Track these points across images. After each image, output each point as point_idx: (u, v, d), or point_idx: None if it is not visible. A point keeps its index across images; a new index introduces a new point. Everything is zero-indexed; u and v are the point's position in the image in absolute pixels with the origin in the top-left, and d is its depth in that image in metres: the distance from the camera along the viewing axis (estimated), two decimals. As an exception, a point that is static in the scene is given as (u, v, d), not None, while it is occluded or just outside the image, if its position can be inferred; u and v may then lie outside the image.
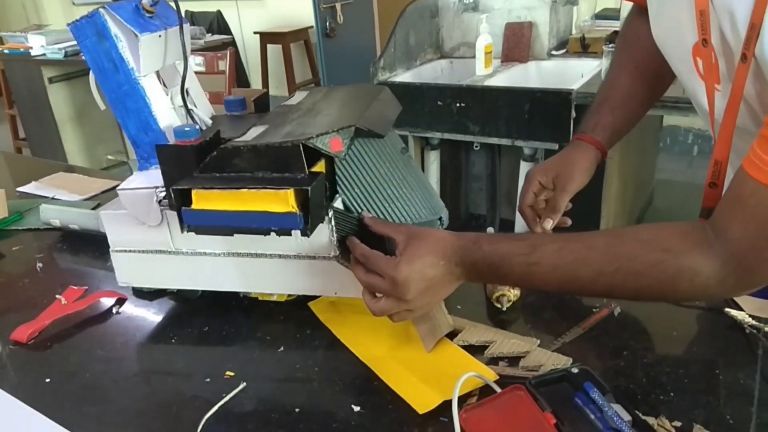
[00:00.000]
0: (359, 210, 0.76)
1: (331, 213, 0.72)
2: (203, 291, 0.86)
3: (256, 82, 5.18)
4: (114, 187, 1.33)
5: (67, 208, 1.13)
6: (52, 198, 1.28)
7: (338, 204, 0.75)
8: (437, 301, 0.72)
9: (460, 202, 2.68)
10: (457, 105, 2.00)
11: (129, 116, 0.78)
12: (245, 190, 0.67)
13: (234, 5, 5.24)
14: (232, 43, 4.09)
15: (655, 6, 0.75)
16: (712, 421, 0.59)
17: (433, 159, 2.32)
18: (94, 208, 1.21)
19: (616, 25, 2.31)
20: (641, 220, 2.76)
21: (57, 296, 0.89)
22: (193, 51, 3.20)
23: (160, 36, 0.78)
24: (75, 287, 0.93)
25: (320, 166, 0.73)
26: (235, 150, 0.70)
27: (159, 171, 0.75)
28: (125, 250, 0.82)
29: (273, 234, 0.69)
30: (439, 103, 2.02)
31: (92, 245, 1.07)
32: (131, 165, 3.66)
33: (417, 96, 2.06)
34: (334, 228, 0.73)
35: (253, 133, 0.74)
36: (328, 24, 4.10)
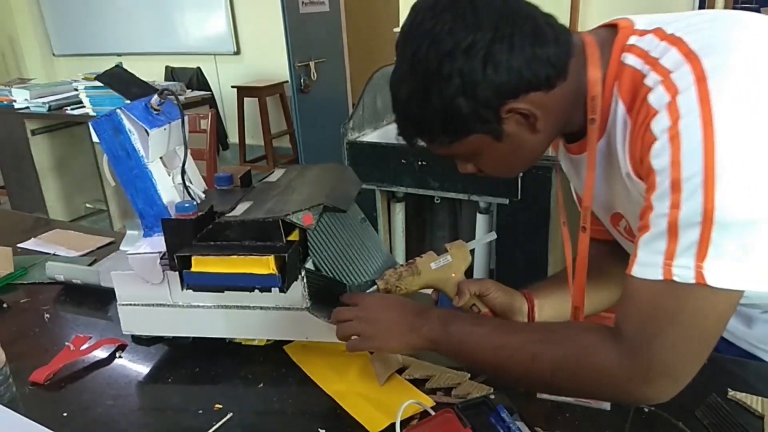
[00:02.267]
0: (327, 270, 0.93)
1: (303, 273, 0.90)
2: (194, 337, 1.02)
3: (233, 133, 5.38)
4: (108, 244, 1.49)
5: (72, 264, 1.28)
6: (53, 254, 1.43)
7: (309, 265, 0.92)
8: (392, 332, 0.81)
9: (424, 249, 2.86)
10: (419, 163, 2.21)
11: (137, 194, 0.96)
12: (235, 256, 0.85)
13: (212, 60, 5.49)
14: (211, 98, 4.29)
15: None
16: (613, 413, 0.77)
17: (399, 210, 2.52)
18: (90, 264, 1.36)
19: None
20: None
21: (66, 343, 1.03)
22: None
23: (165, 129, 0.96)
24: (81, 335, 1.07)
25: (295, 235, 0.91)
26: (227, 224, 0.87)
27: (161, 238, 0.92)
28: (131, 304, 0.98)
29: (256, 291, 0.86)
30: (403, 161, 2.23)
31: (93, 298, 1.22)
32: (110, 214, 3.77)
33: (383, 154, 2.27)
34: (306, 285, 0.91)
35: (241, 209, 0.92)
36: (302, 80, 4.34)
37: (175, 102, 0.98)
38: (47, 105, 3.66)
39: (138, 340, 1.05)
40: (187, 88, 4.04)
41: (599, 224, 0.90)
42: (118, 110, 0.92)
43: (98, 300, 1.21)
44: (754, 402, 0.79)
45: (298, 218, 0.86)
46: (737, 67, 0.60)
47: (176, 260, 0.86)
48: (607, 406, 0.81)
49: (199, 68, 4.99)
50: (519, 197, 1.98)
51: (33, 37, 6.48)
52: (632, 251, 0.65)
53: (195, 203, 0.94)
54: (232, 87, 5.04)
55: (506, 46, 0.66)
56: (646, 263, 0.63)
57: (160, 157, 0.99)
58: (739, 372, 0.87)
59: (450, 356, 0.80)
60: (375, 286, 0.91)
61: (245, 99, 5.03)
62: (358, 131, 2.44)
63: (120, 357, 1.02)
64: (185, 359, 1.00)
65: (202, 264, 0.86)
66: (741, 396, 0.81)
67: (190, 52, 5.47)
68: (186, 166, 1.01)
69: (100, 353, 1.03)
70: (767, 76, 0.59)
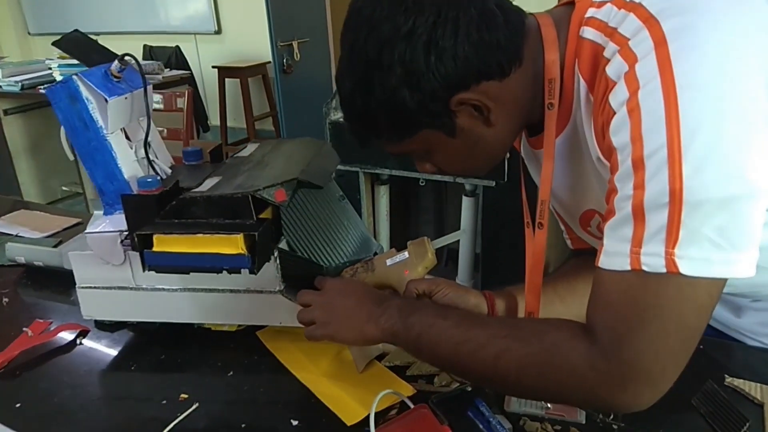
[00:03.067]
0: (301, 250, 0.87)
1: (276, 253, 0.84)
2: (161, 322, 0.96)
3: (214, 115, 5.26)
4: (75, 225, 1.42)
5: (32, 246, 1.21)
6: (16, 235, 1.35)
7: (283, 245, 0.86)
8: (348, 321, 0.75)
9: (409, 233, 2.82)
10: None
11: (96, 168, 0.89)
12: (201, 234, 0.78)
13: (192, 40, 5.35)
14: (190, 78, 4.18)
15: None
16: (587, 422, 0.72)
17: (383, 193, 2.45)
18: (56, 246, 1.29)
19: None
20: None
21: (24, 329, 0.97)
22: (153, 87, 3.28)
23: (126, 98, 0.89)
24: (40, 320, 1.00)
25: (267, 213, 0.84)
26: (192, 200, 0.81)
27: (122, 216, 0.86)
28: (90, 287, 0.91)
29: (225, 272, 0.80)
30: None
31: (55, 281, 1.15)
32: (87, 197, 3.67)
33: (366, 136, 2.20)
34: (279, 266, 0.85)
35: (208, 184, 0.85)
36: (285, 61, 4.24)
37: (138, 69, 0.91)
38: (20, 84, 3.53)
39: (101, 325, 0.99)
40: (166, 68, 3.92)
41: (573, 232, 0.85)
42: (75, 77, 0.84)
43: (61, 283, 1.14)
44: (753, 389, 0.75)
45: (269, 194, 0.79)
46: (700, 27, 0.53)
47: (137, 239, 0.80)
48: (582, 417, 0.73)
49: (178, 47, 4.85)
50: (506, 179, 1.93)
51: (8, 16, 6.28)
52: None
53: (159, 178, 0.87)
54: (213, 67, 4.92)
55: (450, 31, 0.60)
56: (613, 252, 0.56)
57: (123, 130, 0.92)
58: (737, 357, 0.83)
59: (409, 351, 0.71)
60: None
61: (227, 80, 4.91)
62: (341, 111, 2.36)
63: (81, 344, 0.96)
64: (150, 346, 0.93)
65: (164, 243, 0.80)
66: (739, 382, 0.76)
67: (169, 31, 5.32)
68: (151, 140, 0.94)
69: (61, 339, 0.96)
70: (733, 34, 0.53)
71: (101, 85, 0.86)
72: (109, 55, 0.91)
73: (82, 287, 0.91)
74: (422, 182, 2.40)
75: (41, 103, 3.71)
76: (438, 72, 0.61)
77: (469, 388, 0.76)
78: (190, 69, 4.73)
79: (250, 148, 1.02)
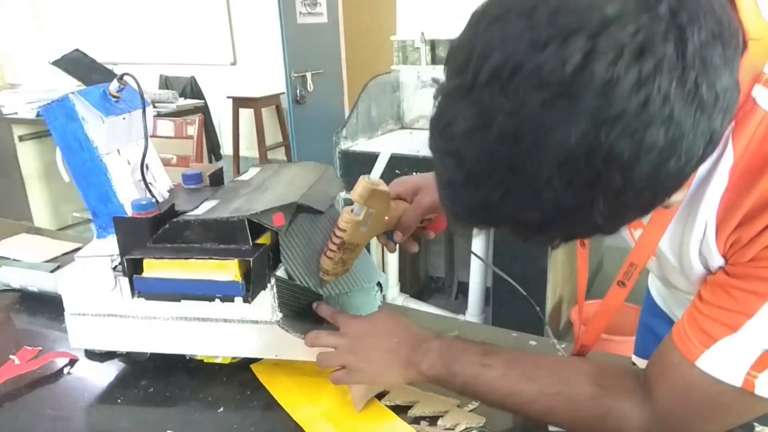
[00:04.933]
0: (300, 278, 0.83)
1: (273, 281, 0.79)
2: (152, 353, 0.91)
3: (227, 145, 5.29)
4: (75, 250, 1.38)
5: (26, 270, 1.17)
6: (13, 259, 1.32)
7: (281, 273, 0.82)
8: (385, 366, 0.73)
9: (419, 265, 2.77)
10: (413, 173, 2.11)
11: (90, 189, 0.85)
12: (193, 259, 0.74)
13: (208, 70, 5.42)
14: (205, 107, 4.21)
15: None
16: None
17: (393, 224, 2.42)
18: (53, 271, 1.25)
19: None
20: (591, 285, 2.88)
21: (11, 356, 0.92)
22: (165, 115, 3.30)
23: (124, 118, 0.86)
24: (29, 348, 0.96)
25: (265, 238, 0.80)
26: (186, 223, 0.77)
27: (115, 240, 0.82)
28: (80, 314, 0.87)
29: (217, 300, 0.76)
30: (397, 171, 2.13)
31: (49, 307, 1.11)
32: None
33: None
34: (275, 294, 0.80)
35: (204, 208, 0.82)
36: (298, 91, 4.27)
37: (137, 89, 0.89)
38: (36, 110, 3.57)
39: (90, 354, 0.94)
40: (180, 97, 3.96)
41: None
42: (71, 95, 0.82)
43: (55, 310, 1.10)
44: (787, 440, 0.69)
45: (267, 218, 0.75)
46: None
47: (126, 263, 0.76)
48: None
49: (193, 77, 4.91)
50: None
51: (28, 45, 6.41)
52: (691, 329, 0.56)
53: (154, 201, 0.84)
54: (228, 98, 4.97)
55: (696, 104, 0.39)
56: (725, 366, 0.54)
57: (119, 151, 0.89)
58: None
59: (450, 390, 0.72)
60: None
61: (241, 110, 4.96)
62: (351, 140, 2.35)
63: (69, 374, 0.91)
64: (139, 377, 0.88)
65: (154, 267, 0.76)
66: (771, 432, 0.70)
67: (185, 62, 5.40)
68: (149, 162, 0.91)
69: (48, 368, 0.92)
70: None
71: (99, 104, 0.83)
72: (109, 75, 0.88)
73: (73, 314, 0.87)
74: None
75: (56, 130, 3.74)
76: (670, 177, 0.41)
77: (484, 431, 0.70)
78: (204, 99, 4.78)
79: (252, 172, 0.99)
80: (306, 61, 4.25)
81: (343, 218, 0.75)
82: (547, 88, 0.37)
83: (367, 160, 2.22)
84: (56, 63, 0.91)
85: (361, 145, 2.37)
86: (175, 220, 0.77)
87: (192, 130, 2.57)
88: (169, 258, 0.75)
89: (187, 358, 0.91)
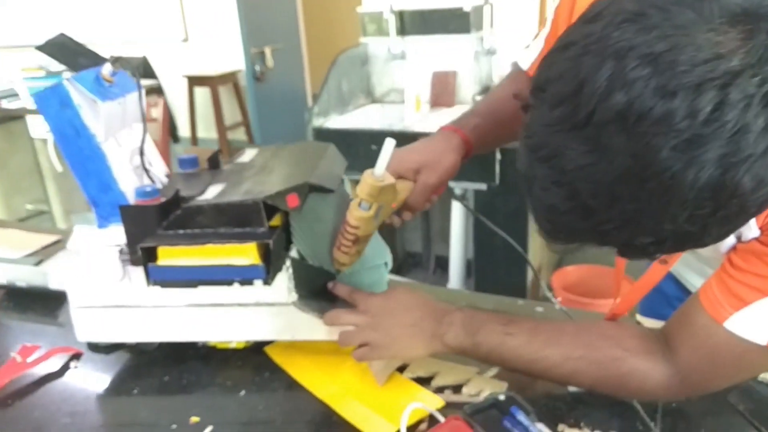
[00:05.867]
0: (313, 258, 0.83)
1: (288, 262, 0.79)
2: (160, 342, 0.90)
3: (183, 125, 5.14)
4: (55, 243, 1.34)
5: (12, 265, 1.13)
6: (-8, 255, 1.27)
7: (293, 253, 0.81)
8: (410, 340, 0.73)
9: (396, 240, 2.78)
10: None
11: (89, 178, 0.82)
12: (210, 245, 0.73)
13: (158, 48, 5.22)
14: (159, 88, 4.07)
15: None
16: (626, 427, 0.69)
17: (368, 200, 2.42)
18: (36, 264, 1.21)
19: (530, 73, 2.52)
20: (564, 255, 2.95)
21: (12, 354, 0.90)
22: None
23: (119, 103, 0.83)
24: (27, 344, 0.93)
25: (276, 220, 0.80)
26: (199, 208, 0.75)
27: (118, 229, 0.80)
28: (86, 307, 0.84)
29: (236, 284, 0.75)
30: (373, 147, 2.13)
31: (40, 302, 1.08)
32: (54, 215, 3.53)
33: (352, 141, 2.16)
34: (291, 276, 0.80)
35: (212, 192, 0.80)
36: (257, 68, 4.17)
37: (130, 72, 0.85)
38: (-21, 98, 3.39)
39: (94, 347, 0.92)
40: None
41: None
42: (65, 81, 0.78)
43: (46, 304, 1.07)
44: (789, 384, 0.73)
45: (281, 199, 0.75)
46: None
47: (140, 252, 0.74)
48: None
49: (145, 58, 4.73)
50: (498, 182, 1.91)
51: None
52: (721, 293, 0.59)
53: (157, 187, 0.82)
54: (183, 76, 4.81)
55: None
56: (753, 327, 0.57)
57: (115, 137, 0.86)
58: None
59: (476, 360, 0.75)
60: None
61: (196, 89, 4.82)
62: (323, 117, 2.32)
63: (75, 367, 0.89)
64: (152, 367, 0.87)
65: (170, 255, 0.74)
66: (773, 378, 0.75)
67: (135, 40, 5.19)
68: (144, 147, 0.88)
69: (52, 364, 0.89)
70: None
71: (94, 90, 0.80)
72: (96, 59, 0.85)
73: (78, 308, 0.84)
74: (408, 187, 2.36)
75: (3, 119, 3.56)
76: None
77: (502, 397, 0.72)
78: (157, 78, 4.62)
79: (249, 154, 0.97)
80: (264, 36, 4.14)
81: (354, 215, 0.73)
82: (676, 135, 0.38)
83: (342, 137, 2.21)
84: (41, 48, 0.86)
85: (334, 121, 2.35)
86: (187, 205, 0.76)
87: (156, 112, 2.49)
88: (185, 244, 0.73)
89: (199, 345, 0.90)
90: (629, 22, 0.40)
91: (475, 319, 0.72)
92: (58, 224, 3.49)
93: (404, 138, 2.12)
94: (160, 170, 0.93)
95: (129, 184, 0.85)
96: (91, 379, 0.86)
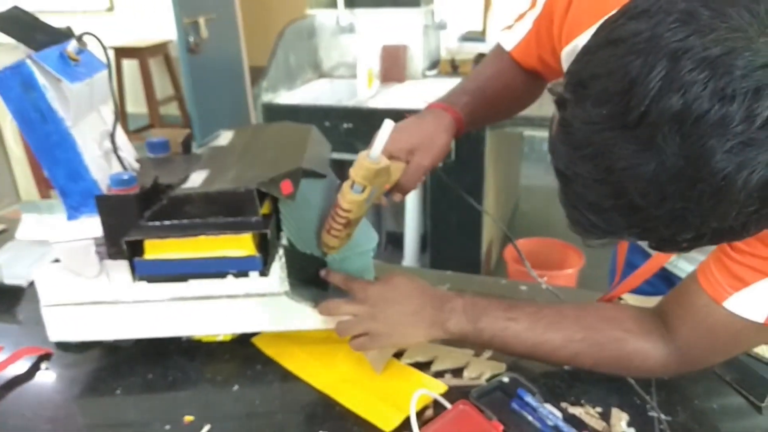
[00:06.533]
0: (304, 246, 0.80)
1: (281, 251, 0.76)
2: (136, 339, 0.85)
3: (112, 99, 4.86)
4: (1, 232, 1.24)
5: (-42, 259, 1.03)
6: (-72, 248, 1.16)
7: (284, 241, 0.79)
8: (410, 328, 0.73)
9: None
10: (344, 126, 2.07)
11: (58, 166, 0.76)
12: (203, 236, 0.69)
13: (81, 18, 4.89)
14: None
15: None
16: (624, 403, 0.72)
17: (320, 177, 2.38)
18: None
19: (480, 48, 2.53)
20: (512, 221, 3.03)
21: (-29, 358, 0.82)
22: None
23: (87, 84, 0.77)
24: (-13, 346, 0.86)
25: (266, 208, 0.76)
26: (187, 197, 0.71)
27: (91, 220, 0.75)
28: (58, 305, 0.78)
29: (229, 277, 0.72)
30: (326, 123, 2.08)
31: (-9, 298, 1.00)
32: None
33: (305, 117, 2.11)
34: (284, 265, 0.77)
35: (197, 179, 0.76)
36: (191, 39, 3.97)
37: (101, 47, 0.78)
38: None
39: (65, 346, 0.86)
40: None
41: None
42: (28, 60, 0.71)
43: (1, 301, 0.99)
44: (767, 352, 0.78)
45: (275, 186, 0.71)
46: None
47: (125, 246, 0.69)
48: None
49: (69, 28, 4.41)
50: (453, 158, 1.92)
51: None
52: (720, 274, 0.60)
53: (134, 175, 0.76)
54: (110, 48, 4.52)
55: None
56: (752, 306, 0.59)
57: (84, 121, 0.79)
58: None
59: (478, 345, 0.77)
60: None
61: (124, 61, 4.55)
62: (272, 92, 2.25)
63: (47, 369, 0.83)
64: (132, 365, 0.83)
65: (158, 249, 0.70)
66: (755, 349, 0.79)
67: (56, 10, 4.83)
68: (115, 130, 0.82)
69: (18, 367, 0.83)
70: None
71: (60, 70, 0.73)
72: (56, 35, 0.78)
73: (49, 306, 0.78)
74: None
75: None
76: None
77: (506, 379, 0.73)
78: (82, 50, 4.33)
79: (226, 137, 0.92)
80: (197, 4, 3.94)
81: (346, 198, 0.71)
82: (732, 138, 0.39)
83: (294, 114, 2.15)
84: (-8, 22, 0.77)
85: (283, 97, 2.28)
86: (173, 195, 0.71)
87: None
88: (174, 237, 0.69)
89: (182, 339, 0.86)
90: (681, 23, 0.40)
91: (476, 305, 0.72)
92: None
93: (360, 115, 2.10)
94: (130, 155, 0.87)
95: (100, 172, 0.78)
96: (65, 381, 0.81)
